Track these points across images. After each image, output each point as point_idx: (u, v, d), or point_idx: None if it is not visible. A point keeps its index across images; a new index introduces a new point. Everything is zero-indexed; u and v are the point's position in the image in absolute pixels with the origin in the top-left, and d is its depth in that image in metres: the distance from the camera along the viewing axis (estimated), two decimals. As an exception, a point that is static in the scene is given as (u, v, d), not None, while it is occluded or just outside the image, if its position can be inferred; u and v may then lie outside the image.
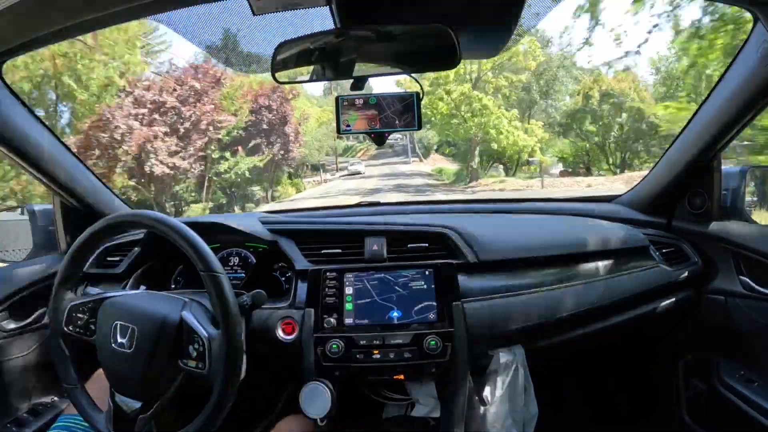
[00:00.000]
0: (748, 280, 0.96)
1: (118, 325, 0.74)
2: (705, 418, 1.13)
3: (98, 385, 0.88)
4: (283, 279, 1.06)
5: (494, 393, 0.90)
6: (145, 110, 11.39)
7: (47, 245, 1.28)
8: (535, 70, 17.64)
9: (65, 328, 0.79)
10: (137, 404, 0.75)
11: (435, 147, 26.95)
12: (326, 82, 0.87)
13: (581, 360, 1.34)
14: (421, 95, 0.83)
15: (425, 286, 0.92)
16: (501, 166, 18.68)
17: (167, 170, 11.80)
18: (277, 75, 0.81)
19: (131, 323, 0.73)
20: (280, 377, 1.09)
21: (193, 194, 13.82)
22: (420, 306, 0.90)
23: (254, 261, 1.08)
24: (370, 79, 0.87)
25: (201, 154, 12.97)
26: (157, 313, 0.75)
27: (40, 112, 7.44)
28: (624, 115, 15.81)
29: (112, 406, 0.76)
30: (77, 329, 0.78)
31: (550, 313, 0.92)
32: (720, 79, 0.90)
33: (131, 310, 0.76)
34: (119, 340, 0.73)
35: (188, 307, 0.76)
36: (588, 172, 16.49)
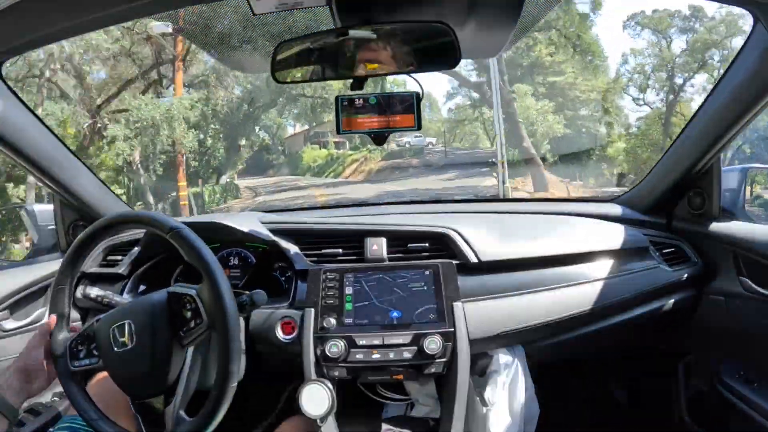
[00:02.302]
0: (748, 280, 0.96)
1: (115, 328, 0.74)
2: (705, 418, 1.13)
3: (102, 387, 0.87)
4: (283, 279, 1.06)
5: (495, 393, 0.90)
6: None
7: (48, 245, 1.28)
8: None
9: (72, 367, 0.77)
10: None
11: (548, 151, 11.68)
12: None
13: (581, 360, 1.34)
14: (421, 95, 0.83)
15: (425, 287, 0.92)
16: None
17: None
18: (277, 75, 0.81)
19: (125, 320, 0.74)
20: (280, 377, 1.09)
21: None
22: (420, 306, 0.90)
23: (254, 261, 1.08)
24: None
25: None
26: (145, 300, 0.76)
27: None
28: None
29: (139, 417, 0.75)
30: (83, 362, 0.77)
31: (550, 314, 0.92)
32: (720, 79, 0.90)
33: (122, 311, 0.76)
34: (119, 340, 0.73)
35: (174, 286, 0.77)
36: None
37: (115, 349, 0.73)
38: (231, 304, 0.70)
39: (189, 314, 0.72)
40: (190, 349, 0.76)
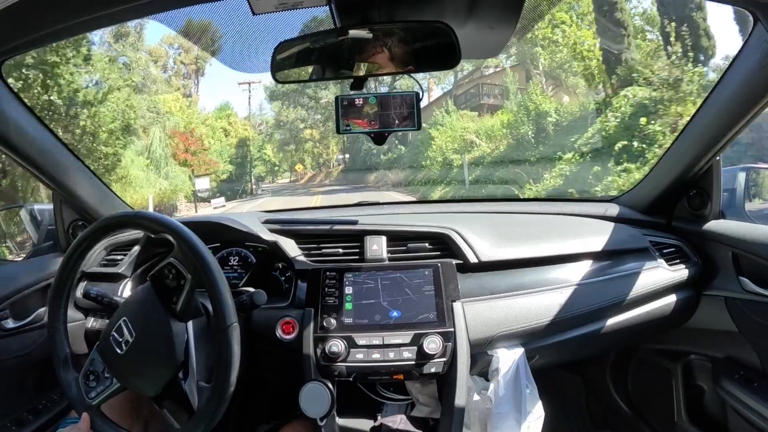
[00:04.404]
0: (747, 280, 0.95)
1: (114, 333, 0.75)
2: (704, 419, 1.13)
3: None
4: (283, 279, 1.06)
5: (496, 393, 0.90)
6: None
7: (48, 244, 1.28)
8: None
9: (90, 400, 0.76)
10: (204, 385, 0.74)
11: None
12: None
13: (581, 360, 1.34)
14: (420, 95, 0.83)
15: (425, 286, 0.92)
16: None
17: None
18: (276, 75, 0.81)
19: (120, 320, 0.75)
20: (280, 377, 1.09)
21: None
22: (420, 306, 0.90)
23: (254, 261, 1.08)
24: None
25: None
26: (133, 294, 0.78)
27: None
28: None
29: (166, 412, 0.75)
30: (98, 389, 0.77)
31: (550, 314, 0.92)
32: (720, 80, 0.90)
33: (114, 316, 0.77)
34: (120, 339, 0.74)
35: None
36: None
37: (120, 351, 0.73)
38: (205, 250, 0.71)
39: (173, 282, 0.73)
40: (191, 326, 0.76)
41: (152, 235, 0.76)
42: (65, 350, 0.81)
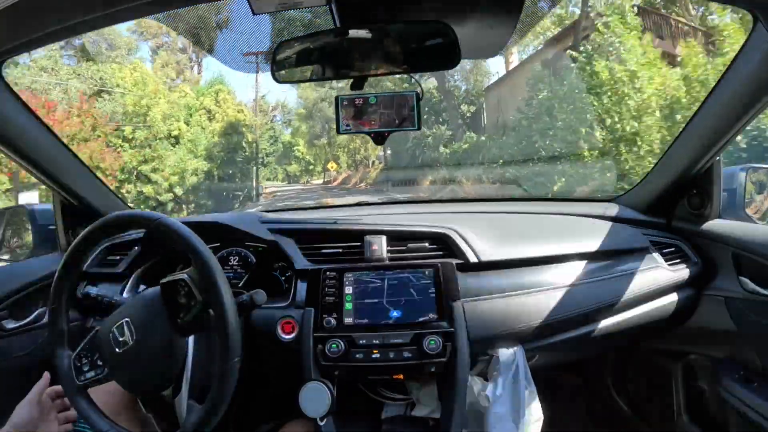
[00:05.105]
0: (747, 280, 0.95)
1: (114, 330, 0.74)
2: (704, 419, 1.13)
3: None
4: (283, 278, 1.06)
5: (495, 393, 0.90)
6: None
7: (48, 244, 1.28)
8: None
9: (78, 382, 0.77)
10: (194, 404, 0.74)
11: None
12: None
13: (581, 360, 1.34)
14: (420, 95, 0.83)
15: (425, 286, 0.92)
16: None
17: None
18: (277, 75, 0.81)
19: (123, 318, 0.74)
20: (280, 377, 1.09)
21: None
22: (420, 306, 0.90)
23: (254, 260, 1.08)
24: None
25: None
26: (141, 296, 0.77)
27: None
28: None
29: (152, 417, 0.75)
30: (89, 374, 0.77)
31: (550, 313, 0.93)
32: (720, 79, 0.90)
33: (118, 313, 0.77)
34: (120, 340, 0.73)
35: (167, 276, 0.77)
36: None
37: (117, 350, 0.73)
38: (222, 280, 0.70)
39: (184, 299, 0.72)
40: (191, 339, 0.76)
41: (175, 248, 0.75)
42: (63, 326, 0.80)
